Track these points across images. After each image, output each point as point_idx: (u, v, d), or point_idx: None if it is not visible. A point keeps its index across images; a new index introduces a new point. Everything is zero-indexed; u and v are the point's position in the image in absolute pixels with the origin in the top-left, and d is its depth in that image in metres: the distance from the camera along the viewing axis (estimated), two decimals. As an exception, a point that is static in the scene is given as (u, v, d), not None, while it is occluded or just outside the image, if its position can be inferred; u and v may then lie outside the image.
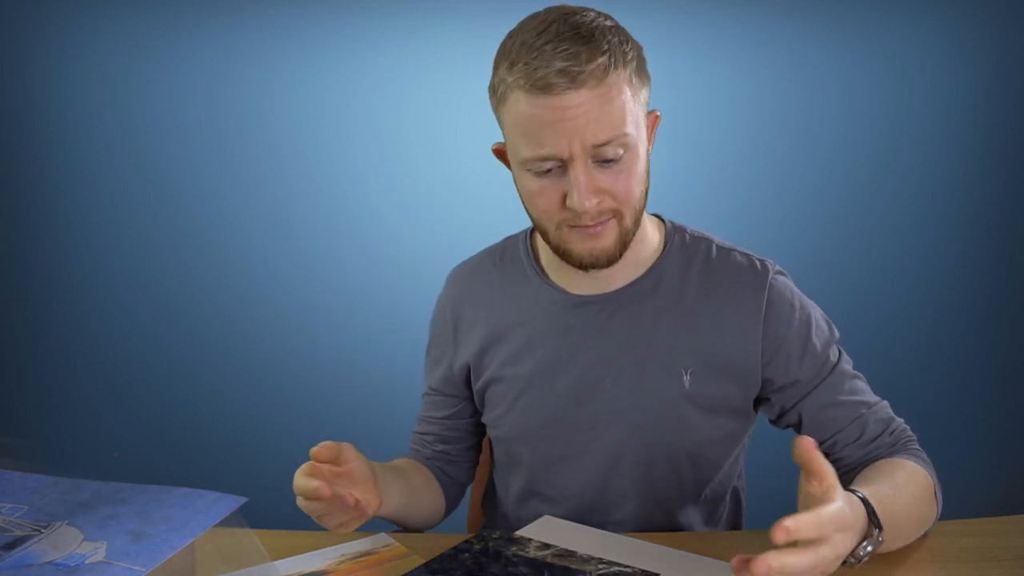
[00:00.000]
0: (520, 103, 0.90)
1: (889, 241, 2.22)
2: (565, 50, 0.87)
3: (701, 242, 1.07)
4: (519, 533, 0.91)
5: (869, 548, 0.74)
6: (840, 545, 0.67)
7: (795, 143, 2.21)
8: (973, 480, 1.95)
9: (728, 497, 1.12)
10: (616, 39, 0.90)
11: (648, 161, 0.97)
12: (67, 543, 0.67)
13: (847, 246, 2.22)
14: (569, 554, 0.85)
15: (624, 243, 0.97)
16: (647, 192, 0.98)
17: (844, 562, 0.73)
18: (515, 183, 0.99)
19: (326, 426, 2.25)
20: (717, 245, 1.07)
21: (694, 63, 2.17)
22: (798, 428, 1.04)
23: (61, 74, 2.28)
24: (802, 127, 2.21)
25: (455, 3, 2.20)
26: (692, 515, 1.08)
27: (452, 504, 1.19)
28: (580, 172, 0.90)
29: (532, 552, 0.86)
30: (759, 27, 2.17)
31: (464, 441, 1.19)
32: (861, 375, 1.04)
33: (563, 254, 0.99)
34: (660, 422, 1.02)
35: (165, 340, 2.36)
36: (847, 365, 1.03)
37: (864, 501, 0.75)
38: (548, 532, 0.92)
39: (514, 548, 0.86)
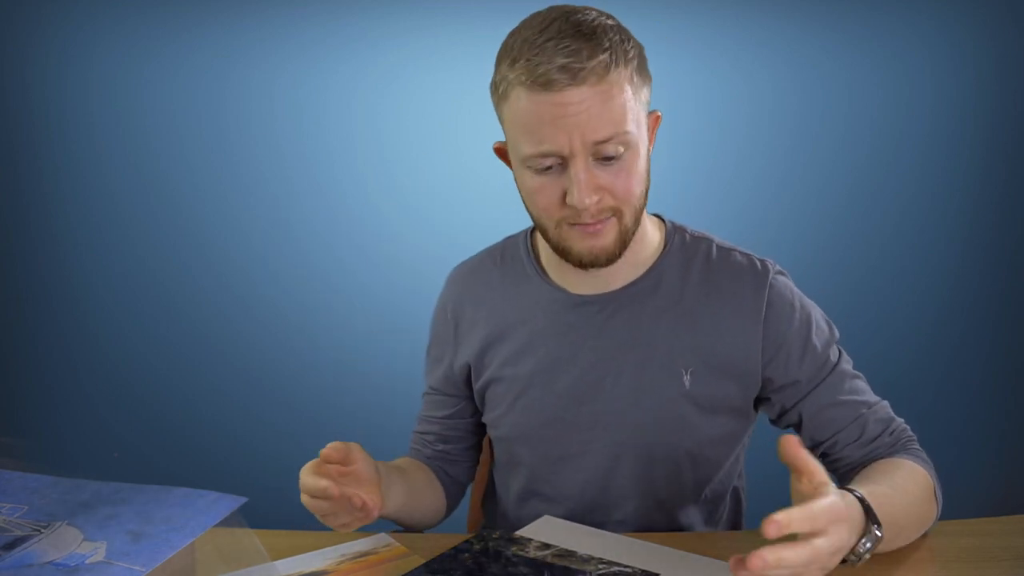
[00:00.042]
0: (521, 100, 0.90)
1: (889, 241, 2.22)
2: (567, 47, 0.87)
3: (701, 242, 1.07)
4: (519, 533, 0.91)
5: (868, 545, 0.74)
6: (836, 538, 0.67)
7: (795, 143, 2.21)
8: (973, 480, 1.95)
9: (728, 497, 1.12)
10: (617, 37, 0.90)
11: (648, 161, 0.97)
12: (67, 543, 0.67)
13: (847, 246, 2.22)
14: (569, 554, 0.85)
15: (624, 242, 0.97)
16: (647, 191, 0.98)
17: (845, 560, 0.73)
18: (515, 181, 0.99)
19: (326, 426, 2.25)
20: (717, 245, 1.07)
21: (694, 63, 2.17)
22: (798, 428, 1.04)
23: (61, 74, 2.28)
24: (802, 127, 2.20)
25: (455, 3, 2.20)
26: (692, 515, 1.08)
27: (453, 504, 1.19)
28: (580, 169, 0.90)
29: (532, 552, 0.86)
30: (759, 27, 2.17)
31: (464, 441, 1.19)
32: (861, 375, 1.04)
33: (563, 252, 0.99)
34: (660, 422, 1.02)
35: (165, 340, 2.36)
36: (847, 365, 1.04)
37: (860, 499, 0.75)
38: (548, 532, 0.92)
39: (514, 548, 0.86)
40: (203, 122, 2.29)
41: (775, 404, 1.04)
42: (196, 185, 2.32)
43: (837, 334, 1.05)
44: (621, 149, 0.91)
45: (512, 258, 1.13)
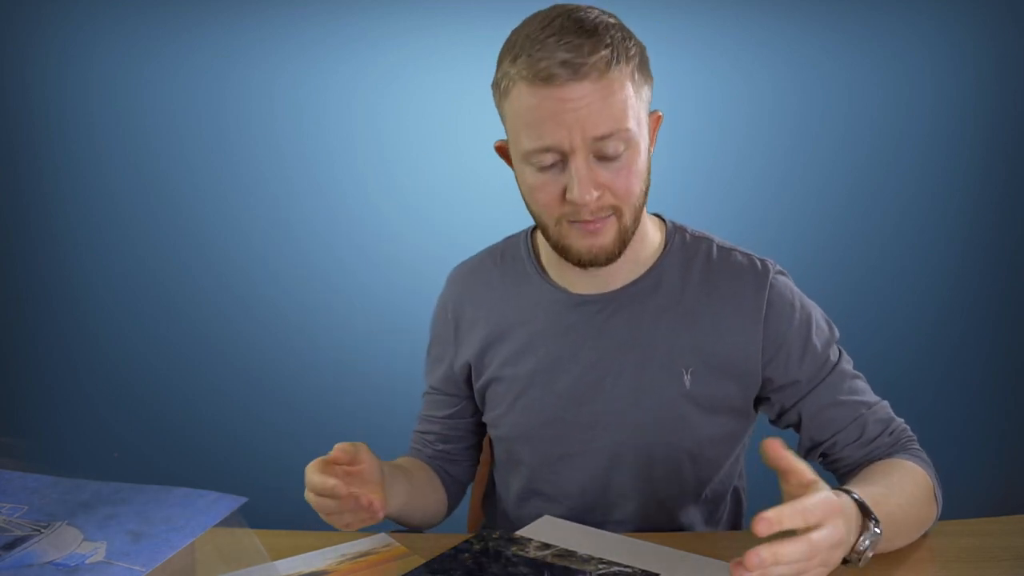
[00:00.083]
0: (522, 95, 0.90)
1: (889, 241, 2.22)
2: (568, 42, 0.88)
3: (702, 242, 1.07)
4: (519, 533, 0.91)
5: (868, 543, 0.73)
6: (833, 530, 0.66)
7: (795, 143, 2.21)
8: (973, 480, 1.95)
9: (728, 497, 1.12)
10: (619, 35, 0.91)
11: (649, 160, 0.97)
12: (67, 543, 0.67)
13: (847, 246, 2.22)
14: (569, 554, 0.85)
15: (623, 241, 0.97)
16: (647, 191, 0.98)
17: (847, 561, 0.73)
18: (516, 179, 0.99)
19: (326, 426, 2.25)
20: (718, 245, 1.07)
21: (694, 63, 2.17)
22: (797, 428, 1.04)
23: (61, 74, 2.28)
24: (802, 127, 2.20)
25: (455, 3, 2.20)
26: (692, 515, 1.08)
27: (454, 503, 1.19)
28: (581, 165, 0.90)
29: (532, 552, 0.86)
30: (759, 27, 2.17)
31: (465, 440, 1.19)
32: (861, 375, 1.04)
33: (562, 251, 0.99)
34: (660, 422, 1.02)
35: (165, 340, 2.36)
36: (847, 365, 1.03)
37: (855, 497, 0.75)
38: (548, 532, 0.92)
39: (514, 548, 0.86)
40: (203, 122, 2.29)
41: (775, 404, 1.04)
42: (196, 185, 2.32)
43: (837, 334, 1.05)
44: (621, 147, 0.91)
45: (512, 258, 1.13)
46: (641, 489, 1.05)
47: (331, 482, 0.83)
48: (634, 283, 1.04)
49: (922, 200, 2.21)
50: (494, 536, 0.89)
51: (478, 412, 1.17)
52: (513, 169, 1.00)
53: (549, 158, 0.91)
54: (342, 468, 0.87)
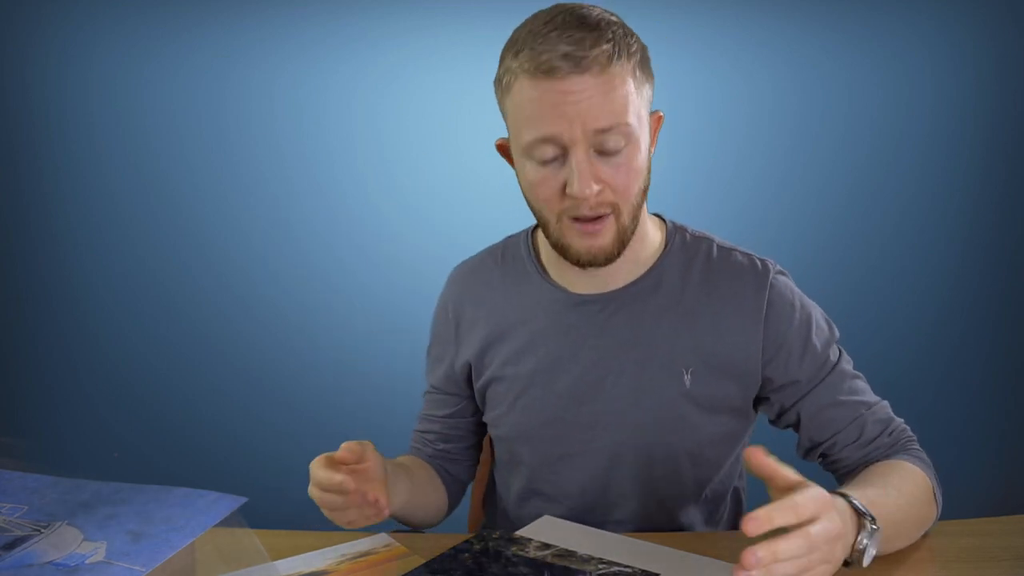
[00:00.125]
0: (524, 88, 0.91)
1: (889, 241, 2.22)
2: (570, 36, 0.88)
3: (702, 242, 1.07)
4: (519, 533, 0.91)
5: (866, 541, 0.73)
6: (829, 524, 0.66)
7: (795, 143, 2.21)
8: (973, 480, 1.95)
9: (729, 497, 1.12)
10: (621, 31, 0.92)
11: (650, 160, 0.97)
12: (67, 543, 0.67)
13: (847, 246, 2.22)
14: (569, 554, 0.85)
15: (622, 241, 0.97)
16: (646, 190, 0.98)
17: (848, 563, 0.73)
18: (517, 177, 0.99)
19: (326, 426, 2.25)
20: (718, 245, 1.07)
21: (694, 63, 2.17)
22: (797, 428, 1.04)
23: (61, 74, 2.28)
24: (802, 127, 2.21)
25: (455, 3, 2.20)
26: (693, 515, 1.08)
27: (454, 502, 1.19)
28: (581, 159, 0.90)
29: (532, 552, 0.86)
30: (759, 27, 2.17)
31: (465, 440, 1.19)
32: (861, 375, 1.04)
33: (562, 249, 0.99)
34: (661, 421, 1.02)
35: (165, 340, 2.36)
36: (847, 365, 1.03)
37: (844, 496, 0.75)
38: (548, 532, 0.92)
39: (514, 548, 0.86)
40: (203, 122, 2.29)
41: (774, 404, 1.04)
42: (196, 185, 2.32)
43: (837, 334, 1.05)
44: (622, 142, 0.91)
45: (513, 257, 1.13)
46: (641, 489, 1.05)
47: (338, 477, 0.83)
48: (634, 283, 1.04)
49: (922, 200, 2.21)
50: (494, 536, 0.89)
51: (478, 412, 1.17)
52: (514, 168, 1.00)
53: (550, 150, 0.92)
54: (348, 467, 0.87)
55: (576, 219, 0.95)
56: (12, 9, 2.25)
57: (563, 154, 0.92)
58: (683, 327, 1.02)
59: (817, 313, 1.04)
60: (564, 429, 1.05)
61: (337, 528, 0.97)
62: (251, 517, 0.76)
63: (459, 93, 2.15)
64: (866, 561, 0.74)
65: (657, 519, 1.06)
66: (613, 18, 0.93)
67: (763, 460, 0.67)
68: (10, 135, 2.30)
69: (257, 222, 2.33)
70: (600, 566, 0.82)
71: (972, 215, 2.20)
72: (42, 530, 0.68)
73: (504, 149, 1.02)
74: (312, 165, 2.31)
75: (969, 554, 0.88)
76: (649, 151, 0.97)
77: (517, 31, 0.94)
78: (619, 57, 0.90)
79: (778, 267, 1.05)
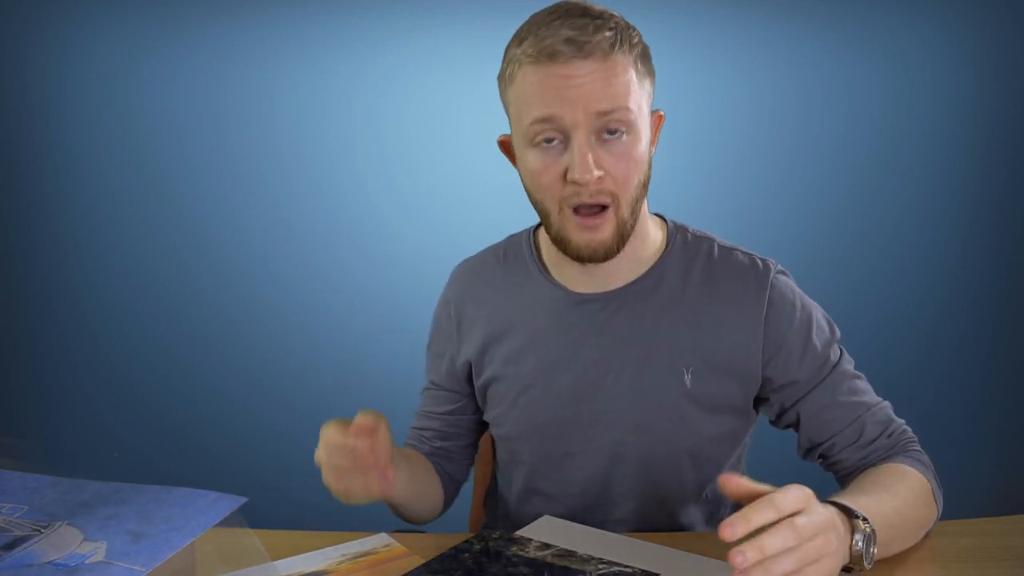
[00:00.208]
0: (527, 75, 0.92)
1: (889, 241, 2.22)
2: (573, 23, 0.91)
3: (703, 241, 1.07)
4: (519, 533, 0.91)
5: (862, 541, 0.73)
6: (816, 516, 0.66)
7: (795, 143, 2.21)
8: (973, 480, 1.95)
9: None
10: (623, 24, 0.95)
11: (650, 157, 0.98)
12: (67, 543, 0.67)
13: (847, 246, 2.22)
14: (569, 554, 0.85)
15: (622, 236, 0.97)
16: (647, 186, 0.98)
17: (850, 569, 0.73)
18: (519, 172, 0.99)
19: (326, 426, 2.25)
20: (719, 244, 1.07)
21: (694, 63, 2.17)
22: (796, 428, 1.04)
23: (61, 74, 2.28)
24: (802, 127, 2.21)
25: (455, 3, 2.20)
26: (693, 514, 1.08)
27: (448, 501, 1.19)
28: (583, 142, 0.91)
29: (532, 552, 0.86)
30: (759, 27, 2.17)
31: (464, 438, 1.19)
32: (862, 375, 1.04)
33: (562, 243, 0.99)
34: (661, 421, 1.02)
35: (165, 340, 2.36)
36: (848, 365, 1.03)
37: (833, 503, 0.75)
38: (548, 532, 0.92)
39: (514, 548, 0.86)
40: (203, 122, 2.30)
41: (774, 404, 1.04)
42: (196, 185, 2.32)
43: (838, 334, 1.05)
44: (623, 128, 0.92)
45: (515, 256, 1.13)
46: (641, 488, 1.05)
47: (351, 439, 0.82)
48: (635, 282, 1.04)
49: (922, 200, 2.21)
50: (494, 536, 0.89)
51: (478, 410, 1.17)
52: (516, 165, 1.00)
53: (551, 132, 0.92)
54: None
55: (576, 211, 0.95)
56: (12, 9, 2.25)
57: (564, 140, 0.92)
58: (684, 326, 1.02)
59: (818, 313, 1.04)
60: (564, 428, 1.05)
61: (337, 528, 0.97)
62: (251, 517, 0.76)
63: (459, 93, 2.16)
64: (867, 563, 0.74)
65: (657, 519, 1.06)
66: (615, 13, 0.95)
67: (738, 482, 0.68)
68: (10, 135, 2.30)
69: (257, 222, 2.33)
70: (600, 566, 0.82)
71: (972, 215, 2.20)
72: (42, 530, 0.68)
73: (506, 146, 1.02)
74: (312, 165, 2.31)
75: (969, 554, 0.88)
76: (650, 148, 0.97)
77: (521, 26, 0.96)
78: (621, 45, 0.92)
79: (779, 267, 1.05)
